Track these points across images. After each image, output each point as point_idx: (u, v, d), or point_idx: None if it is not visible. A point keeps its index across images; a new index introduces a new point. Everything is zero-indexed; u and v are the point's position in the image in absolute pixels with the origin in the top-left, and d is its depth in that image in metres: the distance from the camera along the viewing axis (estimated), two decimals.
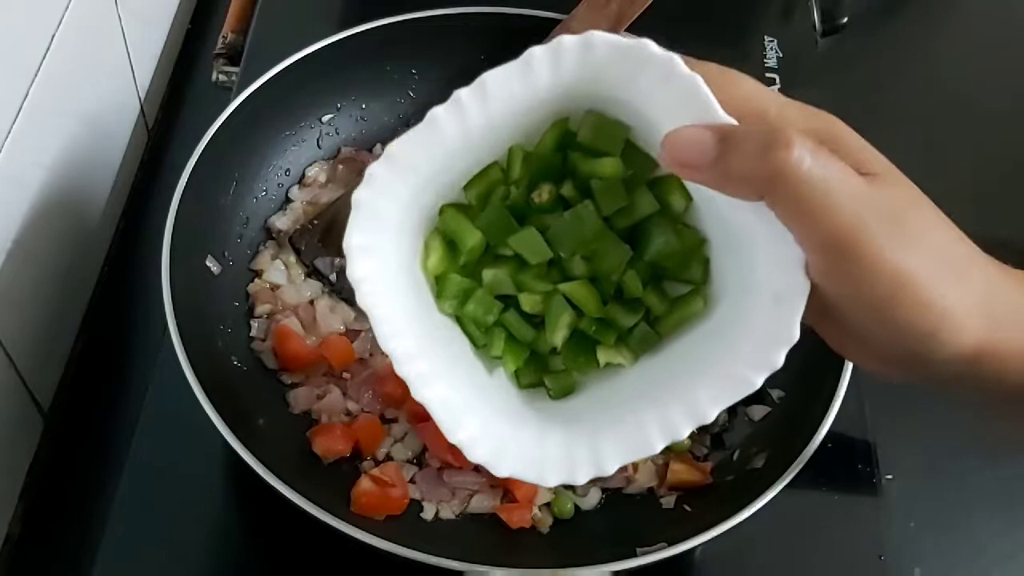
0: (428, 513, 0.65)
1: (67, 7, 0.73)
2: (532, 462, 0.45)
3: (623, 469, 0.66)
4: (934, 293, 0.41)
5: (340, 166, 0.80)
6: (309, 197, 0.78)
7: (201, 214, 0.69)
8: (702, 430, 0.69)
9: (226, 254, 0.72)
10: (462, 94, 0.43)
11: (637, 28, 0.75)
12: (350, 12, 0.94)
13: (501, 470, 0.44)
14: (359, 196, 0.44)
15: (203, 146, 0.69)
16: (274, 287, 0.73)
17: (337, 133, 0.81)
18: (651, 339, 0.49)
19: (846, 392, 0.63)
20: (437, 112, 0.43)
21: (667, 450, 0.67)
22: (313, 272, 0.74)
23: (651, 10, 0.75)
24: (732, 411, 0.71)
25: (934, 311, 0.41)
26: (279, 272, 0.73)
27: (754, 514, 0.58)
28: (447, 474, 0.66)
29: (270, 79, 0.74)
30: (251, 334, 0.71)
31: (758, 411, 0.69)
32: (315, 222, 0.76)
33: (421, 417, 0.67)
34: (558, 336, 0.48)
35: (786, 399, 0.69)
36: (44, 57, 0.70)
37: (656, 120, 0.44)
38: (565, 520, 0.65)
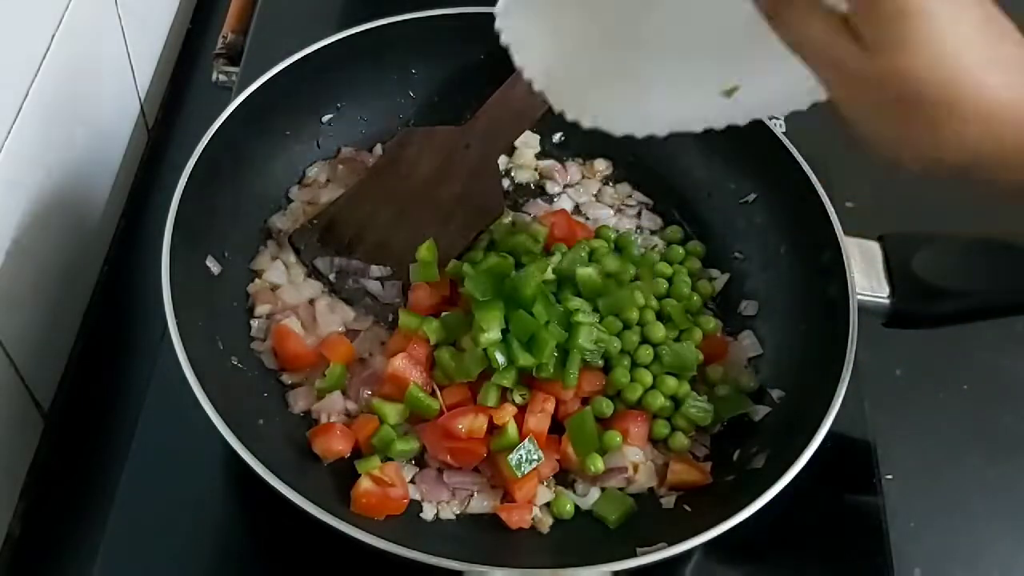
0: (428, 513, 0.65)
1: (67, 7, 0.73)
2: None
3: (623, 469, 0.66)
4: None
5: (340, 166, 0.80)
6: (309, 197, 0.78)
7: (201, 214, 0.69)
8: (702, 430, 0.69)
9: (226, 254, 0.72)
10: None
11: None
12: (350, 12, 0.94)
13: None
14: None
15: (203, 146, 0.69)
16: (274, 287, 0.73)
17: (337, 133, 0.81)
18: None
19: (846, 392, 0.63)
20: None
21: (667, 450, 0.68)
22: (313, 272, 0.74)
23: None
24: None
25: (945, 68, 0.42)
26: (279, 272, 0.73)
27: (754, 514, 0.58)
28: (447, 474, 0.66)
29: (270, 79, 0.74)
30: (251, 334, 0.71)
31: (758, 411, 0.69)
32: (315, 222, 0.75)
33: (421, 417, 0.67)
34: None
35: (786, 399, 0.69)
36: (44, 57, 0.70)
37: None
38: (565, 520, 0.65)
